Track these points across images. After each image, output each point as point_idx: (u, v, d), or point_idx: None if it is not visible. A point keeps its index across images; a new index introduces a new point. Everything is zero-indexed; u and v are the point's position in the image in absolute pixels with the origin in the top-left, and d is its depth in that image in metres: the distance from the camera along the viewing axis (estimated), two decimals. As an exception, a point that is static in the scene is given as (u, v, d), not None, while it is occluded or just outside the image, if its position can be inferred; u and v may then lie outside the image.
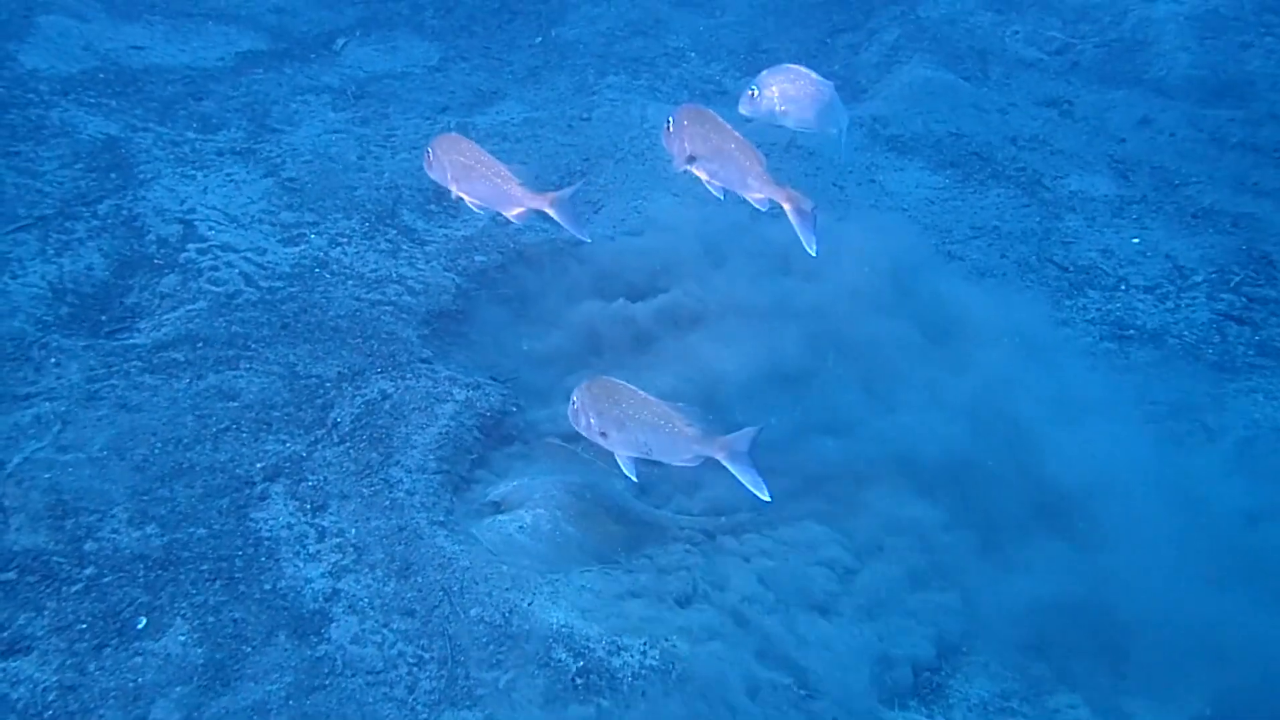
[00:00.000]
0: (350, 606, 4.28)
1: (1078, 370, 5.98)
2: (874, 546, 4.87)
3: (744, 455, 3.91)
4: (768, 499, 4.00)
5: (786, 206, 4.21)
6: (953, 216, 7.59)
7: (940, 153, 8.32)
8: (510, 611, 4.30)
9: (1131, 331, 6.56)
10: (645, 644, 4.20)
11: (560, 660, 4.12)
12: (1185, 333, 6.58)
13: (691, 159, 4.22)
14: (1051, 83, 9.40)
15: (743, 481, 3.94)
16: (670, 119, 4.27)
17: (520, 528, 4.76)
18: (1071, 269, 7.13)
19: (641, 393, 3.93)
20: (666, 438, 3.88)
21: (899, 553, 4.84)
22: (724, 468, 3.96)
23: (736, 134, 4.20)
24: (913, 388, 5.48)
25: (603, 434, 3.97)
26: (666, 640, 4.21)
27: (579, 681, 4.05)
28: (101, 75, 7.71)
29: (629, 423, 3.89)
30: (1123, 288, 6.97)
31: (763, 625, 4.42)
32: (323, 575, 4.40)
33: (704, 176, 4.28)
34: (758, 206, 4.26)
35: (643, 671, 4.11)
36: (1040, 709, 4.38)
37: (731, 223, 7.03)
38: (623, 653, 4.16)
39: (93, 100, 7.35)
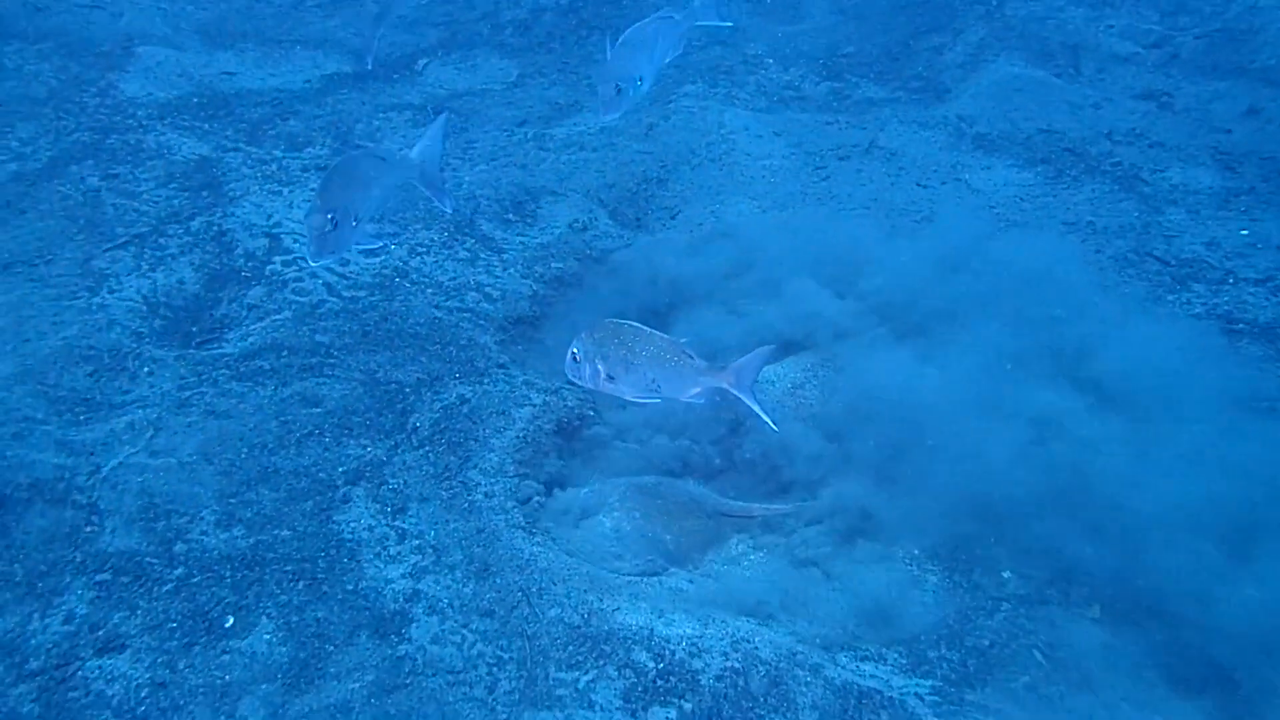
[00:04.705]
0: (430, 607, 4.27)
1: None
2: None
3: (749, 385, 3.93)
4: (776, 429, 4.14)
5: None
6: (1043, 213, 7.30)
7: (1030, 150, 8.03)
8: (589, 613, 4.23)
9: (1241, 325, 6.19)
10: (728, 645, 4.08)
11: (640, 662, 4.03)
12: (1301, 326, 6.18)
13: None
14: (1149, 76, 9.01)
15: (753, 409, 3.97)
16: None
17: (603, 533, 4.70)
18: (1174, 263, 6.78)
19: (645, 329, 3.94)
20: (674, 371, 3.88)
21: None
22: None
23: None
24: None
25: (610, 378, 3.97)
26: (748, 642, 4.08)
27: (660, 683, 3.95)
28: (195, 100, 7.99)
29: (636, 360, 3.90)
30: (1230, 280, 6.59)
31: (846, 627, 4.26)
32: (403, 576, 4.40)
33: None
34: None
35: (724, 674, 3.99)
36: None
37: (814, 226, 6.89)
38: (704, 654, 4.05)
39: (187, 124, 7.61)
